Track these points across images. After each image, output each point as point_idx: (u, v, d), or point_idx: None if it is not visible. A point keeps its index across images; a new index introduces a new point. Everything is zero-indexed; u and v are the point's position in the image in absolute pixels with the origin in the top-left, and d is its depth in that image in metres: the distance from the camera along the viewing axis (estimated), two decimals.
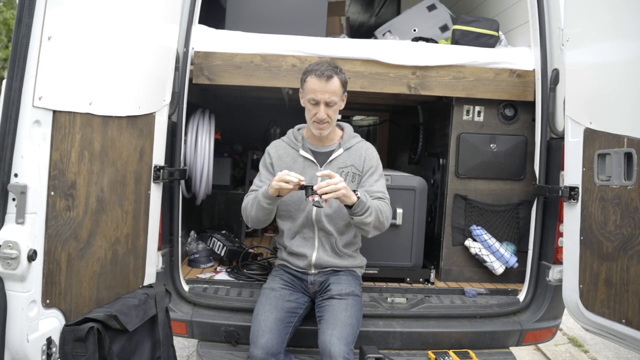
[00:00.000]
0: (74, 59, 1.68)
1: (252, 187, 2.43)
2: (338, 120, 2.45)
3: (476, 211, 2.92)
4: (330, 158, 2.39)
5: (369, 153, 2.43)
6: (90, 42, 1.75)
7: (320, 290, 2.37)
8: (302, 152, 2.41)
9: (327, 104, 2.25)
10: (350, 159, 2.40)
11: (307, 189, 2.13)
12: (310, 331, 2.36)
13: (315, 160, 2.39)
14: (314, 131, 2.35)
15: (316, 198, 2.10)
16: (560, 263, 2.47)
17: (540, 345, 4.18)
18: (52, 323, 1.68)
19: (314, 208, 2.30)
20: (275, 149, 2.48)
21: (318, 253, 2.36)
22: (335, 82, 2.24)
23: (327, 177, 2.11)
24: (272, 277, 2.45)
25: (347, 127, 2.51)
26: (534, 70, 2.73)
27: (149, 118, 2.21)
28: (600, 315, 2.09)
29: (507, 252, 2.86)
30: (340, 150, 2.41)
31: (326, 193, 2.06)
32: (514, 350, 2.62)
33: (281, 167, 2.38)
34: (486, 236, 2.88)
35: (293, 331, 2.28)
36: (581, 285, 2.19)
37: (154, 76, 2.26)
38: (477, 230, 2.90)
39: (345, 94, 2.35)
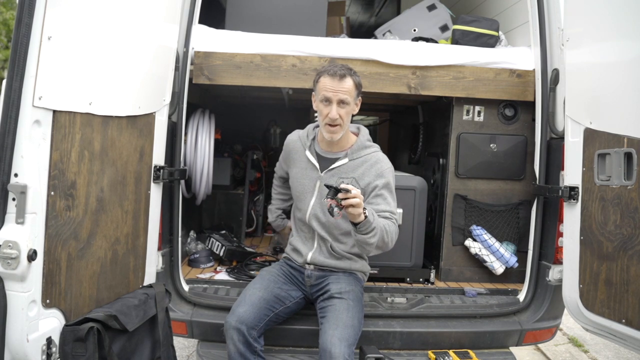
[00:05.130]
0: (74, 59, 1.68)
1: (275, 175, 2.66)
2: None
3: (476, 211, 2.92)
4: (333, 166, 2.33)
5: (377, 169, 2.28)
6: (90, 42, 1.75)
7: (319, 289, 2.35)
8: (307, 153, 2.39)
9: (340, 104, 2.20)
10: (355, 171, 2.29)
11: (330, 190, 1.95)
12: (309, 331, 2.37)
13: (317, 166, 2.36)
14: (325, 134, 2.28)
15: (333, 205, 1.96)
16: (560, 263, 2.47)
17: (540, 345, 4.18)
18: (52, 323, 1.68)
19: (310, 208, 2.31)
20: (291, 142, 2.49)
21: (314, 254, 2.36)
22: (349, 81, 2.20)
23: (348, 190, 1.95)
24: (274, 265, 2.52)
25: (363, 133, 2.39)
26: (534, 70, 2.73)
27: (149, 118, 2.21)
28: (600, 315, 2.09)
29: (507, 252, 2.86)
30: (345, 160, 2.32)
31: (347, 202, 1.93)
32: (514, 350, 2.62)
33: (289, 163, 2.47)
34: (486, 236, 2.88)
35: (275, 319, 2.27)
36: (581, 285, 2.19)
37: (154, 76, 2.26)
38: (477, 230, 2.90)
39: (360, 98, 2.29)
